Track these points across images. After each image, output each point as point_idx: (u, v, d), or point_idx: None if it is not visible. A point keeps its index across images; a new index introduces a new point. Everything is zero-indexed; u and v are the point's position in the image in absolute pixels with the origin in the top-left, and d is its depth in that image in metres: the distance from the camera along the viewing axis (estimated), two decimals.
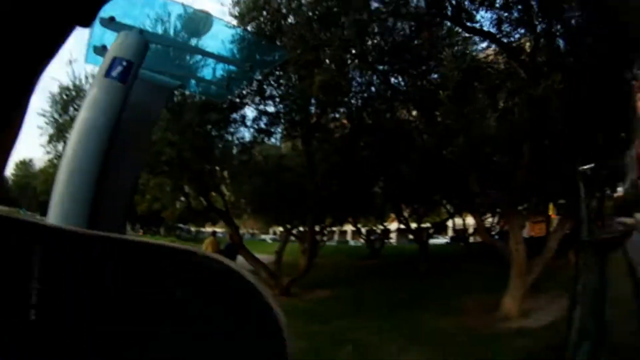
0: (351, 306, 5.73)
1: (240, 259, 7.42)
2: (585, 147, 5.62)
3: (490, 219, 17.22)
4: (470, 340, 3.88)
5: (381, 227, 16.42)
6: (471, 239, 16.59)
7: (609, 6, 3.89)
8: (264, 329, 0.30)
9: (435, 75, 5.21)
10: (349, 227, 29.78)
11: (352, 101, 6.78)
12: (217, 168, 8.78)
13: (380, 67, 5.06)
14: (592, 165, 2.40)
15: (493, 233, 16.49)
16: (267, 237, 28.06)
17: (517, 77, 4.49)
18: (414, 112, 6.44)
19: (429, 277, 8.94)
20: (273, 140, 9.23)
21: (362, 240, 18.90)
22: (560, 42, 4.77)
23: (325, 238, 13.71)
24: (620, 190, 7.23)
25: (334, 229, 17.05)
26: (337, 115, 7.59)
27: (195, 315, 0.29)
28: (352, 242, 33.56)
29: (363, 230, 16.77)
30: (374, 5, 4.50)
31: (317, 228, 10.10)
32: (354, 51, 4.81)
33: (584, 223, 2.28)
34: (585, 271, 2.42)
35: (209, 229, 20.72)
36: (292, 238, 11.20)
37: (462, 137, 3.64)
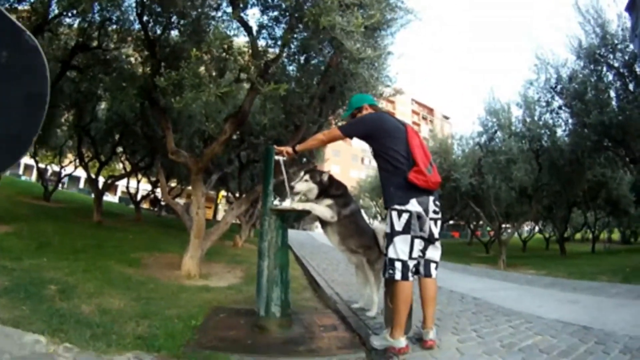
0: (37, 246, 5.28)
1: None
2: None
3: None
4: (160, 288, 3.99)
5: (57, 166, 15.68)
6: (142, 205, 17.05)
7: None
8: None
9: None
10: (23, 159, 26.88)
11: None
12: None
13: None
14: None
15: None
16: None
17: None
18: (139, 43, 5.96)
19: (104, 230, 8.76)
20: None
21: (33, 178, 17.27)
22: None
23: None
24: None
25: None
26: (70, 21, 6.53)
27: None
28: (24, 178, 31.41)
29: (40, 165, 15.72)
30: None
31: None
32: None
33: (268, 196, 2.82)
34: (269, 232, 2.81)
35: None
36: None
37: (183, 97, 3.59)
